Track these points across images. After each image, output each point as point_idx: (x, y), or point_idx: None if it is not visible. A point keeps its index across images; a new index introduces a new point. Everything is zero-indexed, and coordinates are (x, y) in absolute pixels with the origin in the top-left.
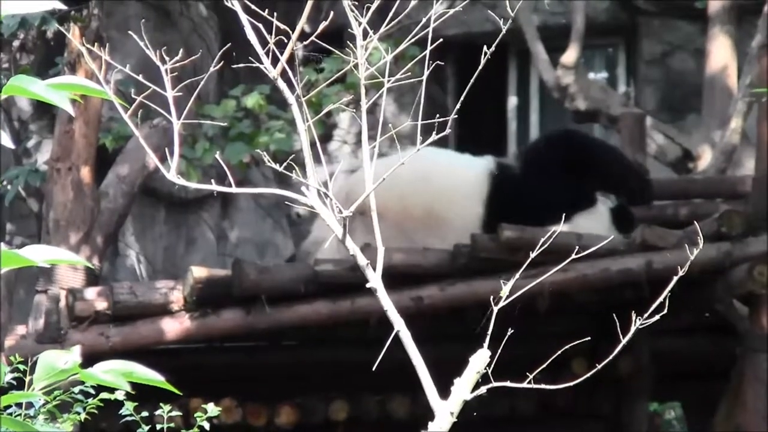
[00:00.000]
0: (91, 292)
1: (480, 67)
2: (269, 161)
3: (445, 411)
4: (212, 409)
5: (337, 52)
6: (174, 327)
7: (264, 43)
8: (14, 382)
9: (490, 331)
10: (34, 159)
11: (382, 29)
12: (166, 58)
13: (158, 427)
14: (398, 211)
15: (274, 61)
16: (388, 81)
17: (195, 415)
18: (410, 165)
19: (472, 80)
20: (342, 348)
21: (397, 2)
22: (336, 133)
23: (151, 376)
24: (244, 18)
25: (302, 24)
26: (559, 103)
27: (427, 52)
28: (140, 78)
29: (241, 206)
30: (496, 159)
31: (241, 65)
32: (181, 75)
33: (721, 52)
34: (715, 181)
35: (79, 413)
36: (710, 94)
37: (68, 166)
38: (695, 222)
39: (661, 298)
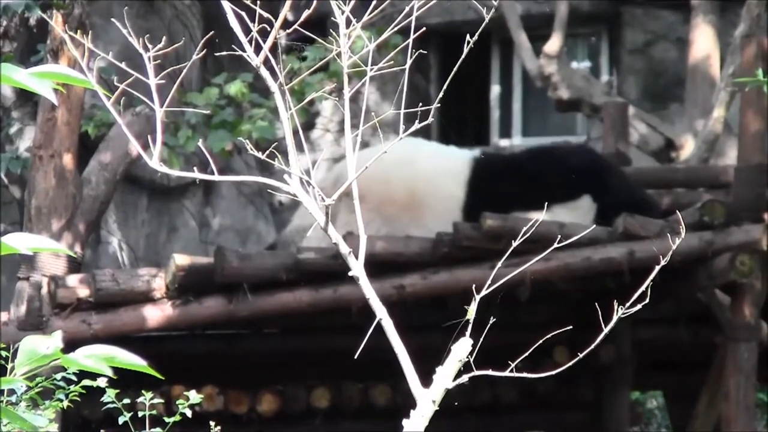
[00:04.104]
0: (73, 279)
1: (463, 56)
2: (252, 149)
3: (426, 399)
4: (194, 396)
5: (320, 40)
6: (156, 314)
7: (247, 31)
8: None
9: (472, 320)
10: (16, 146)
11: (365, 18)
12: (149, 46)
13: (140, 414)
14: (381, 194)
15: (257, 49)
16: (371, 69)
17: (177, 402)
18: (395, 150)
19: (455, 69)
20: (324, 336)
21: None
22: (319, 122)
23: (133, 361)
24: (227, 5)
25: (285, 12)
26: (542, 92)
27: (410, 40)
28: (123, 65)
29: (223, 194)
30: (483, 149)
31: (224, 53)
32: (164, 62)
33: (703, 42)
34: (698, 171)
35: (61, 400)
36: (693, 84)
37: (50, 153)
38: (677, 211)
39: (643, 287)
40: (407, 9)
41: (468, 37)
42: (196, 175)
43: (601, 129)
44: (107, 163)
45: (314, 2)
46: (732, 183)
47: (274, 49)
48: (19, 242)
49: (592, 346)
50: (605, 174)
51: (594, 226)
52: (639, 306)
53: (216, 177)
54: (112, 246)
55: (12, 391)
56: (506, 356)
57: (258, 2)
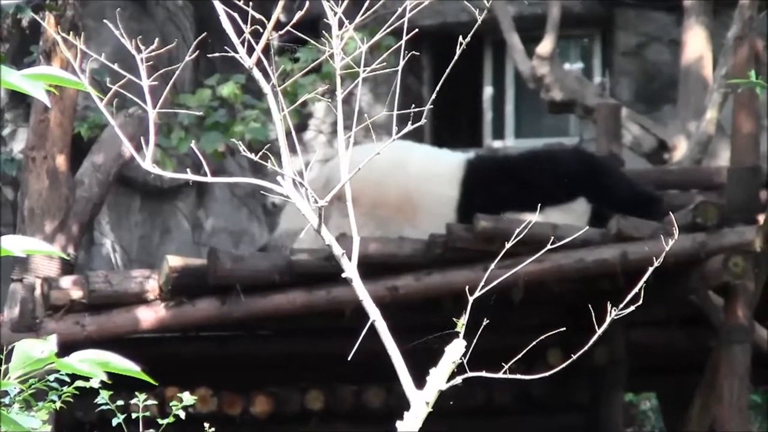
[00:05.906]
0: (66, 281)
1: (455, 58)
2: (245, 151)
3: (420, 401)
4: (188, 398)
5: (312, 41)
6: (149, 316)
7: (239, 32)
8: None
9: (465, 322)
10: (9, 148)
11: (358, 19)
12: (142, 47)
13: (133, 416)
14: (374, 196)
15: (250, 51)
16: (364, 71)
17: (170, 403)
18: (387, 152)
19: (447, 70)
20: (317, 338)
21: None
22: (311, 123)
23: (127, 366)
24: (219, 7)
25: (278, 13)
26: (535, 94)
27: (403, 42)
28: (115, 67)
29: (216, 195)
30: (477, 152)
31: (217, 54)
32: (157, 64)
33: (696, 43)
34: (691, 172)
35: (54, 402)
36: (686, 85)
37: (43, 154)
38: (670, 213)
39: (636, 289)
40: (400, 10)
41: (461, 38)
42: (189, 176)
43: (593, 131)
44: (100, 164)
45: (307, 3)
46: (725, 184)
47: (266, 50)
48: (13, 244)
49: (586, 348)
50: (600, 175)
51: (587, 227)
52: (632, 308)
53: (209, 178)
54: (105, 247)
55: (5, 393)
56: (500, 358)
57: (250, 4)
